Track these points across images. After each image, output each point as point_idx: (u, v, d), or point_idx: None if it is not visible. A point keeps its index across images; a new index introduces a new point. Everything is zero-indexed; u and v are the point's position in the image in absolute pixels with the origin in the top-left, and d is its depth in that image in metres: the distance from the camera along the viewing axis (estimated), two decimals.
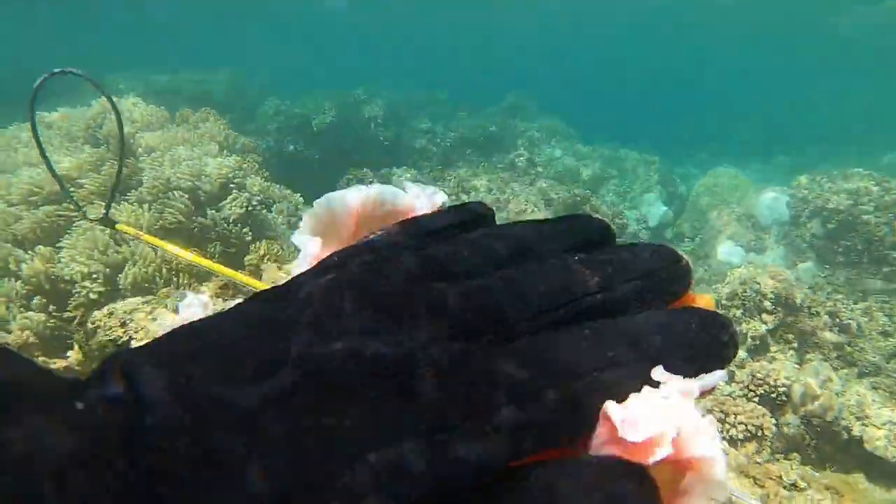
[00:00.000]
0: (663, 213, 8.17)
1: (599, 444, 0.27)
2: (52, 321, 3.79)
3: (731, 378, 4.23)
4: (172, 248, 2.63)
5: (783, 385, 3.83)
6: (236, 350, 0.27)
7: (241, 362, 0.27)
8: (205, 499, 0.23)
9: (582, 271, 0.31)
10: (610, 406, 0.27)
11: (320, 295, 0.30)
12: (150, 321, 2.40)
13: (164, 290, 3.36)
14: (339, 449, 0.24)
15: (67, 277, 3.94)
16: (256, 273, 3.04)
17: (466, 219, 0.37)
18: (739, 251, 6.91)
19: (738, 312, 4.58)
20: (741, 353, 4.41)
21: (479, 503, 0.26)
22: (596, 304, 0.31)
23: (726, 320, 0.31)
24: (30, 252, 4.07)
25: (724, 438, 3.34)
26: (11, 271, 3.96)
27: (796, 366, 4.15)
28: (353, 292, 0.30)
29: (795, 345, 4.42)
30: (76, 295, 3.92)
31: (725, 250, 7.01)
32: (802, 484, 2.72)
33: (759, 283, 4.59)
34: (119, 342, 2.35)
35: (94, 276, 3.88)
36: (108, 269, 3.90)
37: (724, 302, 4.73)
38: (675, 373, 0.28)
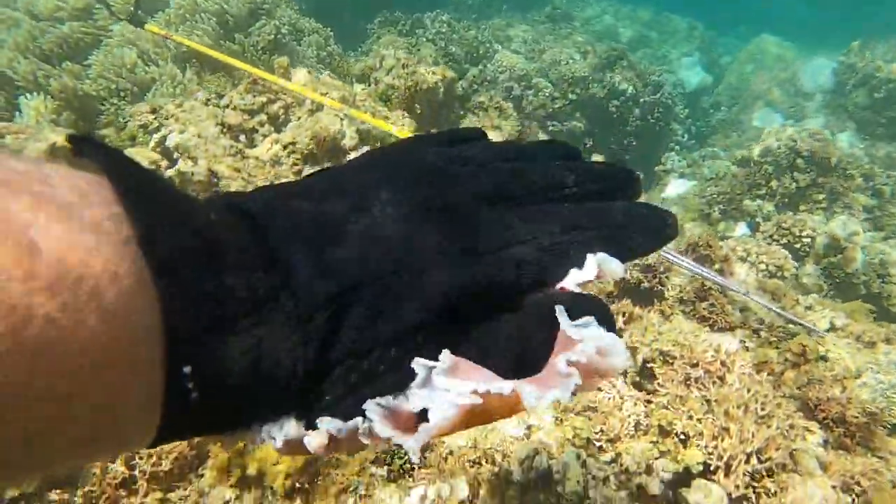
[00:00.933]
0: (701, 80, 7.86)
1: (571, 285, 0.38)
2: None
3: (755, 229, 4.22)
4: (201, 47, 2.60)
5: (808, 236, 3.82)
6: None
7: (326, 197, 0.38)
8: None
9: (562, 172, 0.43)
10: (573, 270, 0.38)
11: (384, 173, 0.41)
12: (180, 112, 2.39)
13: (194, 87, 3.35)
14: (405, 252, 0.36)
15: (94, 94, 3.94)
16: (285, 76, 3.00)
17: (465, 136, 0.48)
18: (777, 118, 6.70)
19: (770, 169, 4.49)
20: (769, 207, 4.37)
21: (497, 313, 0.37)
22: (572, 194, 0.42)
23: (669, 212, 0.43)
24: (58, 68, 4.04)
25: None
26: (41, 86, 3.96)
27: (823, 222, 4.12)
28: (403, 167, 0.42)
29: (825, 205, 4.36)
30: (105, 113, 3.94)
31: (762, 116, 6.80)
32: (818, 307, 2.76)
33: (794, 142, 4.47)
34: (149, 128, 2.36)
35: (122, 93, 3.87)
36: (135, 88, 3.88)
37: (755, 158, 4.63)
38: (631, 241, 0.40)
